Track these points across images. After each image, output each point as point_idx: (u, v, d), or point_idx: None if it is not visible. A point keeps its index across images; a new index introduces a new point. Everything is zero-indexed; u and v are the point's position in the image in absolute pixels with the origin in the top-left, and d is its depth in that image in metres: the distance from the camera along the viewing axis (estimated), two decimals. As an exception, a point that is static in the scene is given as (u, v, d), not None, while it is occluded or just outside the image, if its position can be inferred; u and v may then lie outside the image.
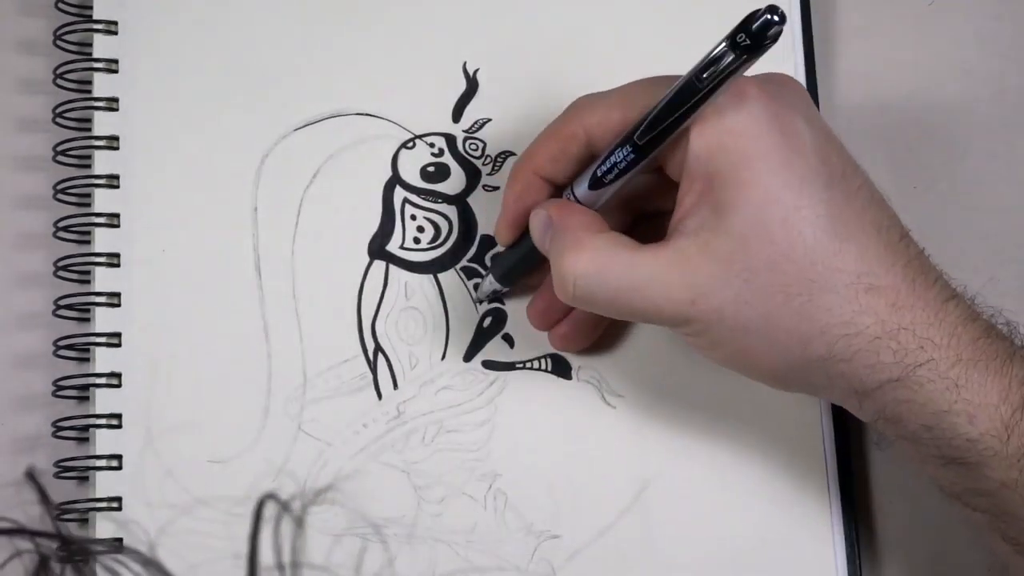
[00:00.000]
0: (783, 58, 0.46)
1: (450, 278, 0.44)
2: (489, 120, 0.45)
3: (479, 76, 0.45)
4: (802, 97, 0.36)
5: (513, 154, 0.45)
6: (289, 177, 0.43)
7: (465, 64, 0.45)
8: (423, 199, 0.44)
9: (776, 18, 0.31)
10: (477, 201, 0.44)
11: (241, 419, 0.42)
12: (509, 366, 0.43)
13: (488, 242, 0.44)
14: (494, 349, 0.44)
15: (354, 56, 0.45)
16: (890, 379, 0.34)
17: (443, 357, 0.43)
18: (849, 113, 0.48)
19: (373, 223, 0.44)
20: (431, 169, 0.44)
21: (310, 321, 0.43)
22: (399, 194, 0.44)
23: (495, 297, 0.44)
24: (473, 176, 0.44)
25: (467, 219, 0.44)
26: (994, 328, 0.36)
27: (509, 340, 0.44)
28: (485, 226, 0.44)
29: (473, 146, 0.45)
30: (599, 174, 0.36)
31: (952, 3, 0.50)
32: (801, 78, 0.46)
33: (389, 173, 0.44)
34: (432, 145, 0.44)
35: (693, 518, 0.43)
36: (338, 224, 0.43)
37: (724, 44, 0.32)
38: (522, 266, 0.41)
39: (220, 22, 0.44)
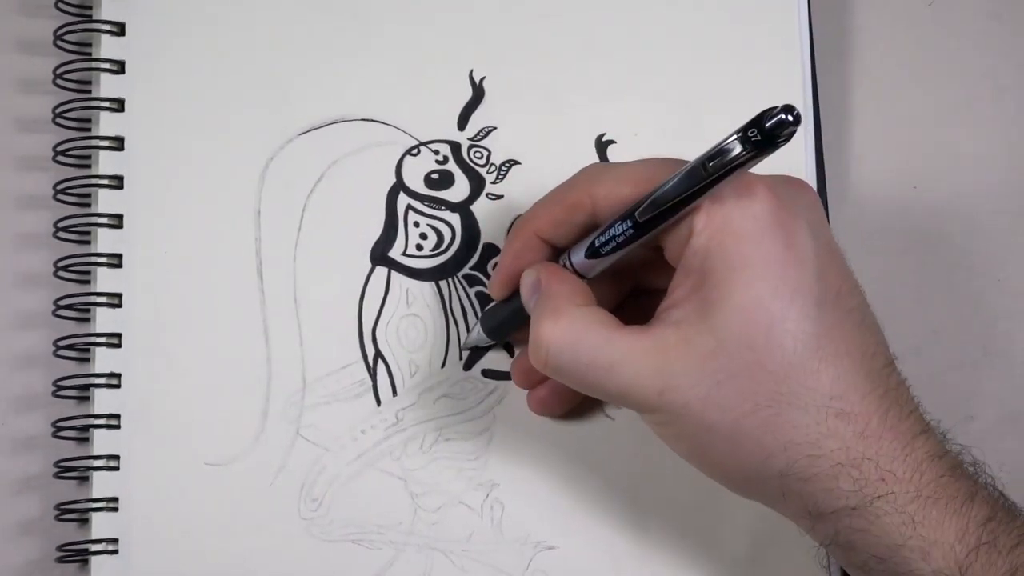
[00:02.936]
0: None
1: (452, 286, 0.44)
2: (495, 128, 0.45)
3: (485, 84, 0.45)
4: (812, 206, 0.36)
5: (518, 163, 0.44)
6: (293, 181, 0.43)
7: (471, 72, 0.45)
8: (426, 206, 0.44)
9: (791, 118, 0.30)
10: (480, 209, 0.44)
11: (239, 422, 0.42)
12: (509, 375, 0.43)
13: (490, 250, 0.44)
14: (494, 358, 0.44)
15: (360, 62, 0.44)
16: (847, 507, 0.34)
17: (443, 365, 0.43)
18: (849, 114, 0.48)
19: (376, 229, 0.43)
20: (435, 176, 0.44)
21: (311, 326, 0.43)
22: (402, 201, 0.44)
23: (478, 349, 0.43)
24: (477, 184, 0.44)
25: (470, 227, 0.44)
26: (960, 466, 0.35)
27: (509, 349, 0.44)
28: (488, 234, 0.44)
29: (478, 154, 0.44)
30: (597, 244, 0.36)
31: (952, 3, 0.50)
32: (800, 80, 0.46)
33: (393, 179, 0.44)
34: (437, 152, 0.44)
35: (690, 530, 0.43)
36: (341, 229, 0.43)
37: (735, 137, 0.31)
38: (511, 322, 0.41)
39: (227, 26, 0.44)
